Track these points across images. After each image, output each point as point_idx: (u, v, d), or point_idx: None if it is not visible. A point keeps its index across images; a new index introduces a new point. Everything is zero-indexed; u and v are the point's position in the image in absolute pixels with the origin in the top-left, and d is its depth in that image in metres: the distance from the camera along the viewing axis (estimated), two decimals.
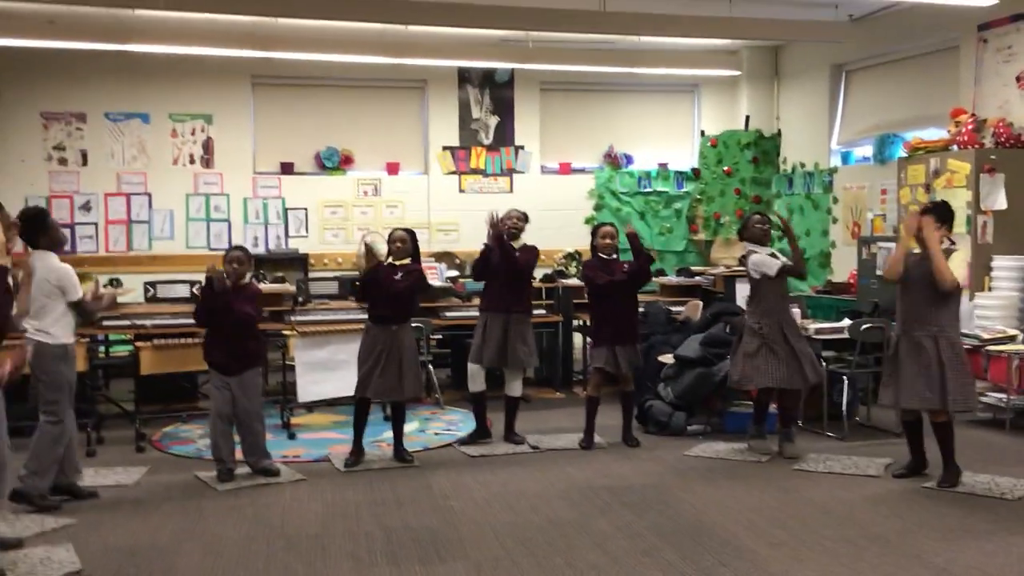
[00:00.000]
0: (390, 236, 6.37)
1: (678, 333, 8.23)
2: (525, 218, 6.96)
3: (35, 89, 9.92)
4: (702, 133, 11.69)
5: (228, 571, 4.39)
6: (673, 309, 8.90)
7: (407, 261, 6.33)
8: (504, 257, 6.57)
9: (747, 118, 11.45)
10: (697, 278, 9.94)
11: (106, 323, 7.73)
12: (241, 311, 5.90)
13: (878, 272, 8.37)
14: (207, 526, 5.07)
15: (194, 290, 8.53)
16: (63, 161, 10.11)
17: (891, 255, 5.92)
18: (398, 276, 6.27)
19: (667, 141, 11.77)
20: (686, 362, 7.36)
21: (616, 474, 6.07)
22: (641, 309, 7.93)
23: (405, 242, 6.32)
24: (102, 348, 8.10)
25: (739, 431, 6.92)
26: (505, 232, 6.63)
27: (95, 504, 5.48)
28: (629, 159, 11.63)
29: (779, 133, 11.46)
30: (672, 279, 10.06)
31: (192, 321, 7.82)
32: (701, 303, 9.01)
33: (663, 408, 7.26)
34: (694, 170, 11.65)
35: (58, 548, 4.65)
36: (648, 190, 11.56)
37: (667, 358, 7.67)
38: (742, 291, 7.87)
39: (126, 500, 5.57)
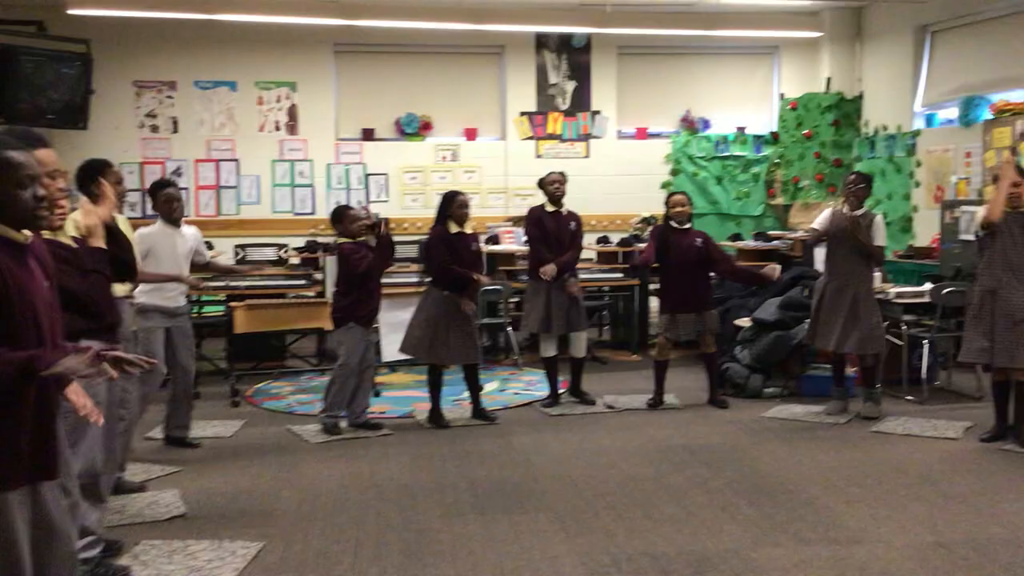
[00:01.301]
0: (456, 201, 6.40)
1: (755, 297, 8.27)
2: (563, 179, 6.97)
3: (128, 59, 10.28)
4: (781, 96, 11.58)
5: (325, 517, 4.64)
6: None
7: (469, 229, 6.47)
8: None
9: (828, 80, 11.30)
10: (775, 242, 9.92)
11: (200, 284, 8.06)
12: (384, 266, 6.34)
13: (962, 236, 8.26)
14: (302, 475, 5.35)
15: (283, 253, 8.82)
16: (155, 128, 10.49)
17: (992, 198, 5.85)
18: (473, 246, 6.44)
19: (745, 105, 11.69)
20: (763, 325, 7.42)
21: (692, 433, 6.19)
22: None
23: (465, 207, 6.42)
24: (196, 308, 8.46)
25: (816, 394, 6.97)
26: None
27: (197, 453, 5.81)
28: (706, 123, 11.60)
29: (861, 96, 11.29)
30: (749, 243, 10.05)
31: (280, 282, 8.17)
32: (779, 267, 8.99)
33: (740, 371, 7.33)
34: (773, 134, 11.57)
35: (165, 493, 4.97)
36: (725, 154, 11.52)
37: (744, 321, 7.74)
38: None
39: (225, 450, 5.89)
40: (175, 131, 10.53)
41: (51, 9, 9.30)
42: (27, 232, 2.53)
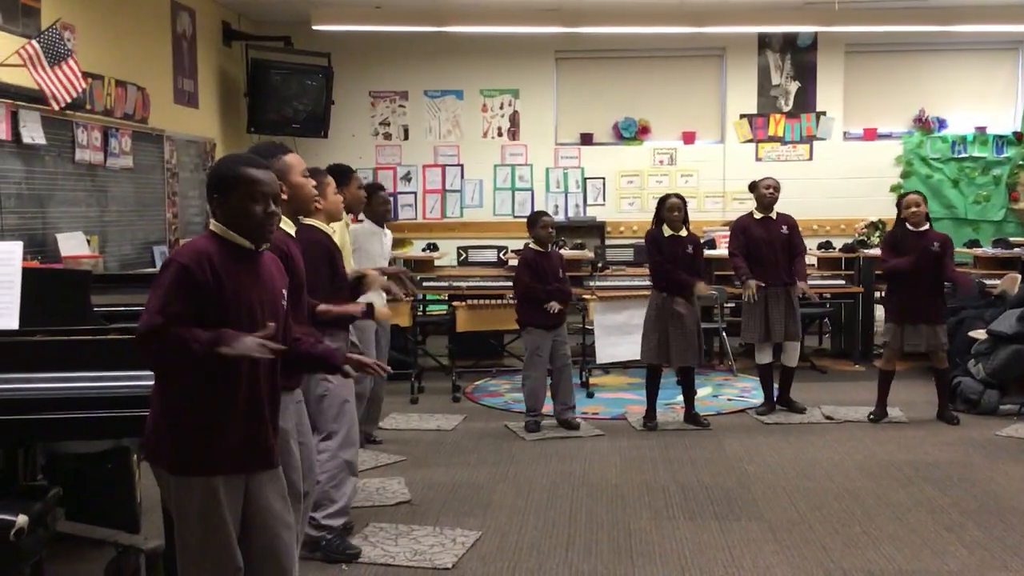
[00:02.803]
0: (666, 204, 6.40)
1: (992, 308, 7.77)
2: (778, 185, 6.79)
3: (364, 71, 10.93)
4: None
5: (538, 512, 4.80)
6: (987, 282, 8.38)
7: (684, 232, 6.43)
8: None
9: None
10: (1017, 250, 9.25)
11: (425, 284, 8.49)
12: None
13: None
14: (518, 470, 5.55)
15: (503, 256, 9.13)
16: (387, 136, 11.10)
17: None
18: (689, 249, 6.42)
19: (985, 103, 10.95)
20: (1001, 338, 6.96)
21: (918, 449, 5.92)
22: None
23: (681, 210, 6.40)
24: (421, 307, 8.90)
25: None
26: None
27: (421, 445, 6.13)
28: (942, 123, 10.96)
29: None
30: (988, 251, 9.42)
31: (500, 284, 8.45)
32: (1020, 276, 8.41)
33: (973, 386, 6.92)
34: (1016, 134, 10.78)
35: (392, 480, 5.30)
36: (963, 155, 10.84)
37: (979, 334, 7.28)
38: None
39: (446, 443, 6.19)
40: (406, 138, 11.08)
41: (296, 26, 10.05)
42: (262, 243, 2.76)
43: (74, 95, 5.88)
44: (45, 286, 3.71)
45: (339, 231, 4.71)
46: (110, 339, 3.51)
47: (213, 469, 2.65)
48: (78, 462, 4.12)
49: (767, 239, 6.70)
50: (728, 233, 9.52)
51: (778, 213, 6.80)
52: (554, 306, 6.23)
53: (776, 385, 6.94)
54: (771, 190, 6.75)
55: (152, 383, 2.74)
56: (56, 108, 5.84)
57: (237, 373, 2.65)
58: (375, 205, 6.11)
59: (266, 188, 2.73)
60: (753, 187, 6.88)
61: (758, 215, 6.79)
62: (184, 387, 2.63)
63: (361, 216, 6.17)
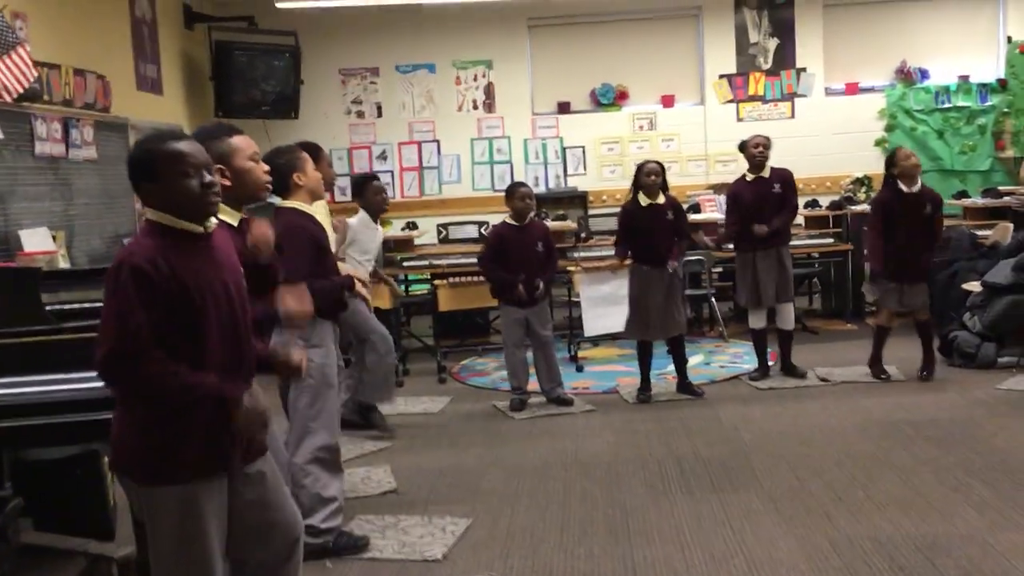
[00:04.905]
0: (642, 170, 6.21)
1: (984, 259, 7.61)
2: (767, 143, 6.61)
3: (333, 48, 10.66)
4: (1009, 39, 10.56)
5: (530, 494, 4.64)
6: (979, 233, 8.23)
7: (662, 199, 6.23)
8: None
9: None
10: (1006, 199, 9.10)
11: (405, 264, 8.28)
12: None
13: None
14: (507, 451, 5.38)
15: (484, 231, 8.93)
16: (360, 114, 10.84)
17: None
18: (669, 215, 6.22)
19: (967, 51, 10.76)
20: (996, 289, 6.81)
21: (917, 407, 5.78)
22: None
23: (659, 175, 6.20)
24: (403, 287, 8.70)
25: None
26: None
27: (407, 429, 5.95)
28: (924, 74, 10.77)
29: None
30: (977, 201, 9.27)
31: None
32: (1012, 225, 8.27)
33: (970, 339, 6.77)
34: (1000, 81, 10.60)
35: (377, 469, 5.12)
36: (947, 106, 10.66)
37: (973, 286, 7.13)
38: None
39: (433, 426, 6.02)
40: (379, 116, 10.83)
41: (260, 4, 9.75)
42: (211, 222, 2.53)
43: (26, 85, 5.62)
44: None
45: (320, 210, 4.50)
46: (67, 339, 3.31)
47: (189, 475, 2.45)
48: (45, 468, 3.92)
49: (758, 202, 6.50)
50: (712, 197, 9.41)
51: (772, 169, 6.60)
52: (520, 294, 6.03)
53: (772, 350, 6.79)
54: (760, 148, 6.54)
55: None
56: (8, 100, 5.58)
57: (213, 362, 2.46)
58: (369, 196, 5.86)
59: (193, 159, 2.49)
60: (742, 147, 6.68)
61: (750, 176, 6.60)
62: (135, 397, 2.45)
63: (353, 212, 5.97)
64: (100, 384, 3.07)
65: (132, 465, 2.48)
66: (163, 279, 2.37)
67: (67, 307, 3.96)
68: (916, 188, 6.26)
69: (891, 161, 6.39)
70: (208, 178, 2.50)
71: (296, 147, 4.21)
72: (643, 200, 6.17)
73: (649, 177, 6.13)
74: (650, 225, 6.16)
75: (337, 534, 4.01)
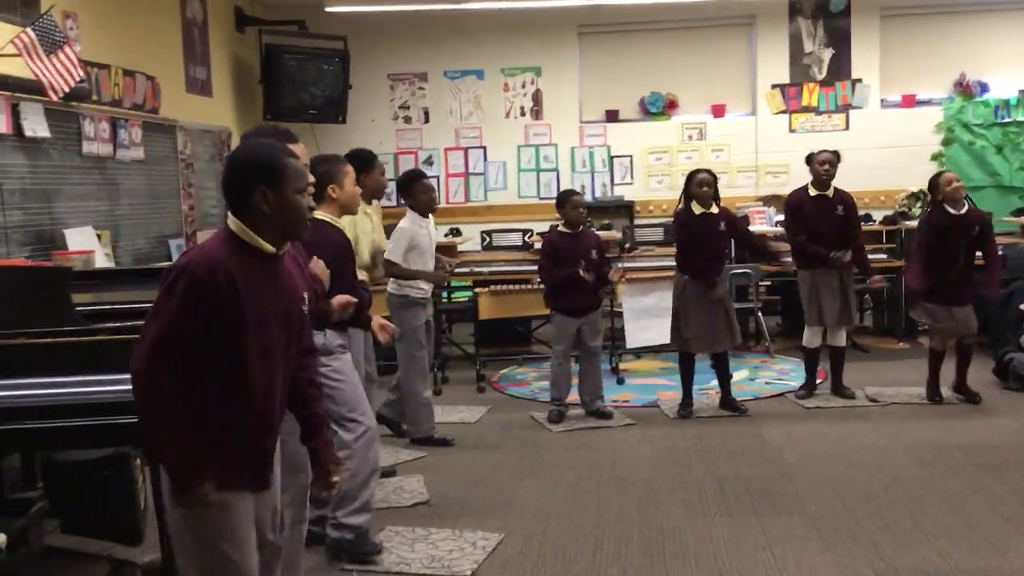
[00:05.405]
0: (694, 179, 6.05)
1: None
2: (835, 159, 6.36)
3: (382, 53, 10.65)
4: None
5: (563, 511, 4.52)
6: None
7: (715, 209, 6.07)
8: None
9: None
10: None
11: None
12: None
13: None
14: (543, 465, 5.27)
15: (528, 239, 8.84)
16: (408, 119, 10.81)
17: None
18: (721, 227, 6.06)
19: None
20: None
21: (970, 432, 5.56)
22: (1000, 252, 7.15)
23: (711, 185, 6.05)
24: (445, 294, 8.63)
25: None
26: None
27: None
28: (984, 87, 10.48)
29: None
30: None
31: (526, 268, 8.14)
32: None
33: None
34: None
35: (411, 479, 5.04)
36: (1007, 120, 10.36)
37: None
38: None
39: (470, 437, 5.92)
40: (426, 121, 10.80)
41: (311, 9, 9.78)
42: (286, 244, 2.49)
43: (72, 84, 5.64)
44: (20, 285, 3.47)
45: (353, 222, 4.44)
46: (97, 340, 3.28)
47: (226, 483, 2.40)
48: (74, 470, 3.90)
49: (820, 220, 6.27)
50: (762, 209, 9.22)
51: (836, 190, 6.38)
52: (583, 272, 5.88)
53: (821, 368, 6.60)
54: (826, 166, 6.28)
55: None
56: (55, 98, 5.61)
57: (250, 385, 2.40)
58: (417, 195, 5.72)
59: (309, 180, 2.53)
60: (808, 161, 6.45)
61: (813, 192, 6.38)
62: (194, 392, 2.37)
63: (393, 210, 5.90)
64: (122, 387, 3.06)
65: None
66: (220, 292, 2.32)
67: (102, 308, 3.94)
68: (963, 210, 6.05)
69: (934, 187, 6.19)
70: (311, 202, 2.52)
71: (339, 158, 4.15)
72: (696, 209, 6.03)
73: (701, 188, 5.99)
74: (701, 235, 6.02)
75: (358, 534, 3.95)
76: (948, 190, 6.04)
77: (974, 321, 6.14)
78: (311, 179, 2.51)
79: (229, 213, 2.45)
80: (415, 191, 5.68)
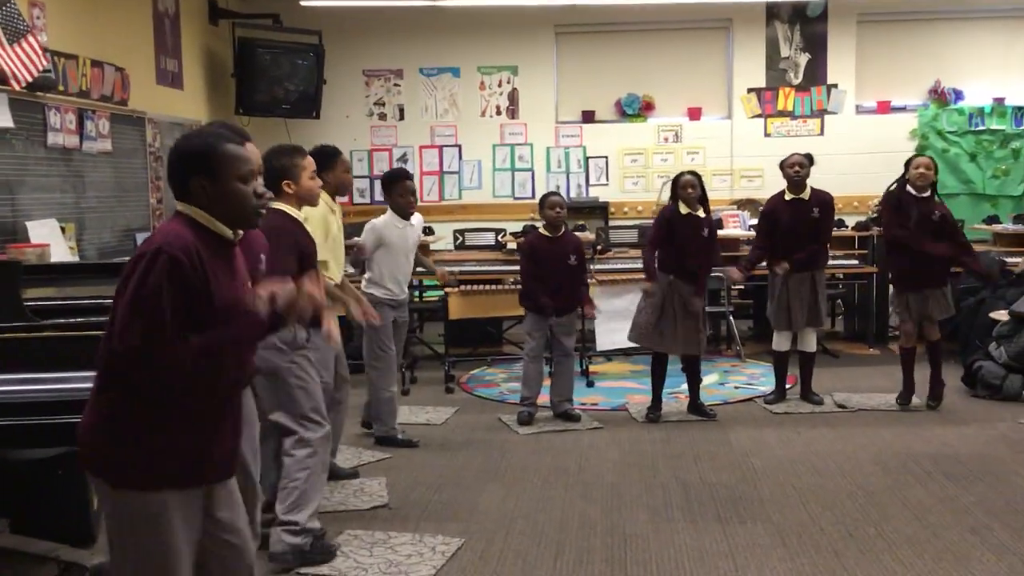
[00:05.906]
0: (679, 181, 6.05)
1: (1013, 287, 7.38)
2: (806, 161, 6.38)
3: (357, 49, 10.55)
4: None
5: (526, 516, 4.47)
6: (1008, 260, 7.99)
7: (702, 212, 6.05)
8: None
9: None
10: None
11: (418, 269, 8.12)
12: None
13: None
14: (508, 468, 5.21)
15: (501, 238, 8.79)
16: (382, 116, 10.72)
17: None
18: (705, 232, 6.04)
19: (1004, 73, 10.50)
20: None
21: (937, 440, 5.56)
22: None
23: (696, 187, 6.03)
24: (416, 293, 8.56)
25: None
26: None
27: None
28: (959, 95, 10.52)
29: None
30: (1008, 227, 9.02)
31: (498, 268, 8.08)
32: None
33: (995, 370, 6.54)
34: None
35: (372, 481, 4.97)
36: (980, 128, 10.41)
37: (1000, 315, 6.90)
38: None
39: (435, 438, 5.85)
40: (401, 118, 10.72)
41: (286, 2, 9.67)
42: (239, 231, 2.45)
43: (36, 74, 5.54)
44: None
45: (315, 216, 4.36)
46: (46, 336, 3.20)
47: (164, 483, 2.31)
48: (27, 469, 3.81)
49: (793, 224, 6.26)
50: (736, 213, 9.21)
51: (813, 191, 6.37)
52: (547, 306, 5.88)
53: (791, 374, 6.58)
54: (795, 168, 6.28)
55: (89, 384, 2.40)
56: (17, 88, 5.50)
57: (220, 372, 2.36)
58: (395, 196, 5.63)
59: (253, 165, 2.41)
60: (781, 167, 6.45)
61: (788, 196, 6.37)
62: (141, 386, 2.29)
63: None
64: (82, 385, 2.97)
65: (104, 464, 2.34)
66: (195, 276, 2.28)
67: (60, 304, 3.85)
68: (924, 195, 6.08)
69: (907, 163, 6.26)
70: (260, 187, 2.43)
71: (296, 150, 4.07)
72: (683, 209, 6.00)
73: (686, 190, 5.97)
74: (685, 235, 5.98)
75: (315, 537, 3.88)
76: (914, 172, 6.09)
77: (948, 303, 6.13)
78: (258, 163, 2.42)
79: (180, 202, 2.41)
80: (394, 192, 5.60)
